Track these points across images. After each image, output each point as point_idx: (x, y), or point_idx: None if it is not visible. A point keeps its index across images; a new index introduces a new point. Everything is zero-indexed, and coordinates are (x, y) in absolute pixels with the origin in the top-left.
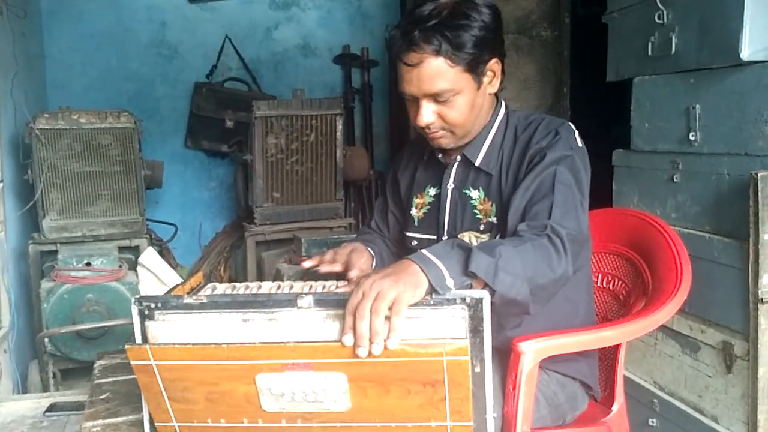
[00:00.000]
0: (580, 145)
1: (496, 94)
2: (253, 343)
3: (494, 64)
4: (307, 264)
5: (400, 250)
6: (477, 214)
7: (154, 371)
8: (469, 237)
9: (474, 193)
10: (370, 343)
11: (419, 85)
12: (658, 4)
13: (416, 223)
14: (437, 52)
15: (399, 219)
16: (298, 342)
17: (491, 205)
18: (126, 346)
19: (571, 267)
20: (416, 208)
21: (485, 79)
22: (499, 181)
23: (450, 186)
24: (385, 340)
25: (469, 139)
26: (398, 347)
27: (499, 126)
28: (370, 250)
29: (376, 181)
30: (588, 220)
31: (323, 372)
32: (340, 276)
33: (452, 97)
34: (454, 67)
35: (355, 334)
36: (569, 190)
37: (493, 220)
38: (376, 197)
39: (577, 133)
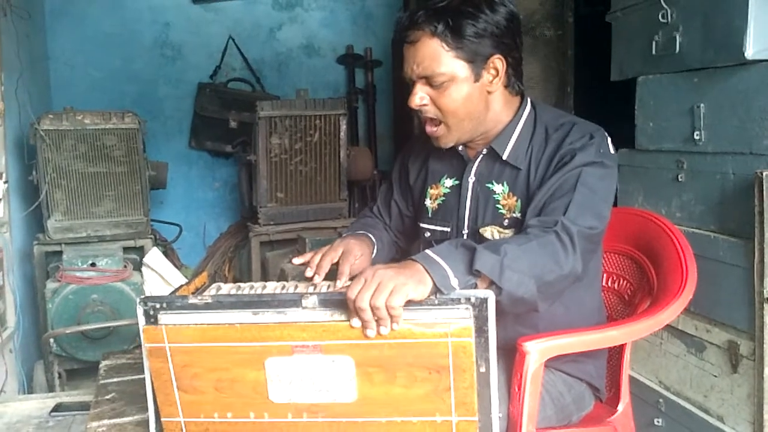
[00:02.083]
0: (612, 152)
1: (522, 93)
2: (266, 323)
3: (497, 61)
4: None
5: (401, 238)
6: (500, 209)
7: (167, 355)
8: (491, 232)
9: (498, 188)
10: (377, 325)
11: (413, 66)
12: (662, 3)
13: (430, 214)
14: (434, 33)
15: (401, 207)
16: (308, 321)
17: (516, 200)
18: (142, 326)
19: (580, 264)
20: (431, 199)
21: (486, 75)
22: (527, 176)
23: (471, 179)
24: (381, 326)
25: (470, 135)
26: (404, 327)
27: (526, 121)
28: (371, 237)
29: (380, 181)
30: (607, 223)
31: (331, 355)
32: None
33: (446, 83)
34: (449, 51)
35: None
36: (591, 193)
37: (518, 215)
38: None
39: (609, 140)
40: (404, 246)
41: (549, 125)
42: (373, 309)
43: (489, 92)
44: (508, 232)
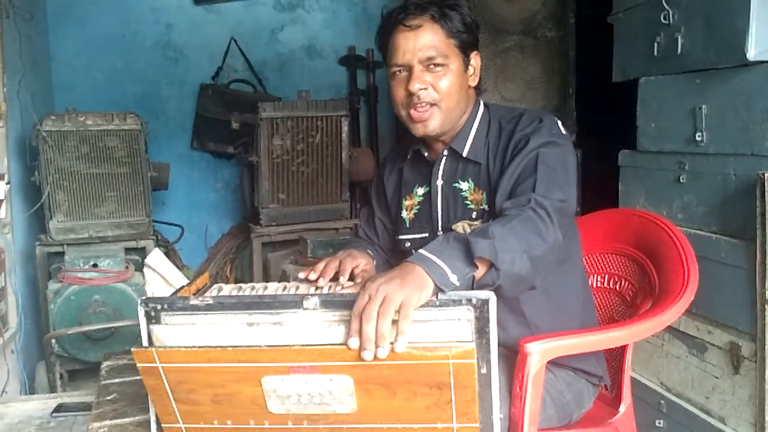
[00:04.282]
0: (563, 132)
1: (476, 93)
2: (259, 346)
3: (476, 57)
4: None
5: (391, 256)
6: (469, 204)
7: (161, 374)
8: (462, 226)
9: (464, 185)
10: (376, 346)
11: (415, 50)
12: (664, 4)
13: (408, 225)
14: (434, 19)
15: (386, 225)
16: (303, 345)
17: (482, 194)
18: (132, 349)
19: (560, 234)
20: (407, 210)
21: (469, 68)
22: (487, 168)
23: (439, 182)
24: (392, 344)
25: (451, 125)
26: (404, 350)
27: (481, 119)
28: (369, 252)
29: None
30: (575, 199)
31: (329, 374)
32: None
33: (445, 67)
34: (448, 39)
35: (361, 337)
36: (552, 171)
37: (485, 207)
38: None
39: (560, 123)
40: (394, 263)
41: (502, 119)
42: (379, 320)
43: (469, 86)
44: (477, 223)
